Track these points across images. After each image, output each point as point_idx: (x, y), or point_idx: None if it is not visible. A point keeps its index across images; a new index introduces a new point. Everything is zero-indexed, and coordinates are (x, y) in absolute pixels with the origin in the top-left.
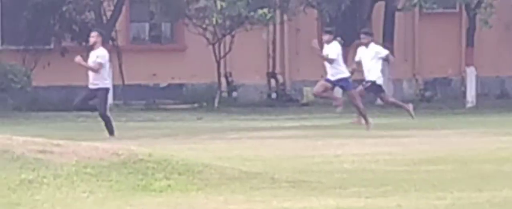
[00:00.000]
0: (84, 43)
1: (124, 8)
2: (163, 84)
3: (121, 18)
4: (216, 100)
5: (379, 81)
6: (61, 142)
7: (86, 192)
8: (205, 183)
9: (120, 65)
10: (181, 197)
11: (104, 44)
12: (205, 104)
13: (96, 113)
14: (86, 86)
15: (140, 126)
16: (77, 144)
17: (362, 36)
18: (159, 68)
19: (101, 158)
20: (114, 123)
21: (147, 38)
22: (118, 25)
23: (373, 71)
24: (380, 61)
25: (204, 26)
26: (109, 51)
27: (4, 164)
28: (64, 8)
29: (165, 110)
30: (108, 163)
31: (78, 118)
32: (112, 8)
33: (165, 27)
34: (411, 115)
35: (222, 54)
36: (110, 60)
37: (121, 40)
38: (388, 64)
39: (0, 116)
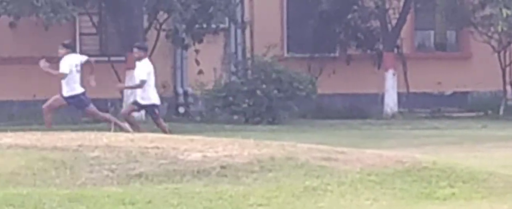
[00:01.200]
0: (369, 51)
1: (409, 16)
2: (448, 92)
3: (406, 26)
4: (501, 108)
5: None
6: (345, 149)
7: (369, 199)
8: (490, 191)
9: (405, 73)
10: (465, 205)
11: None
12: (490, 112)
13: (381, 121)
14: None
15: (425, 134)
16: (361, 152)
17: (134, 50)
18: (444, 76)
19: (385, 166)
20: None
21: (432, 46)
22: (403, 33)
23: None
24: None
25: (489, 34)
26: (394, 59)
27: (289, 171)
28: (349, 16)
29: (450, 118)
30: (392, 170)
31: (362, 125)
32: (397, 16)
33: (450, 35)
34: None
35: (507, 62)
36: (395, 68)
37: (406, 48)
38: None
39: (286, 124)
